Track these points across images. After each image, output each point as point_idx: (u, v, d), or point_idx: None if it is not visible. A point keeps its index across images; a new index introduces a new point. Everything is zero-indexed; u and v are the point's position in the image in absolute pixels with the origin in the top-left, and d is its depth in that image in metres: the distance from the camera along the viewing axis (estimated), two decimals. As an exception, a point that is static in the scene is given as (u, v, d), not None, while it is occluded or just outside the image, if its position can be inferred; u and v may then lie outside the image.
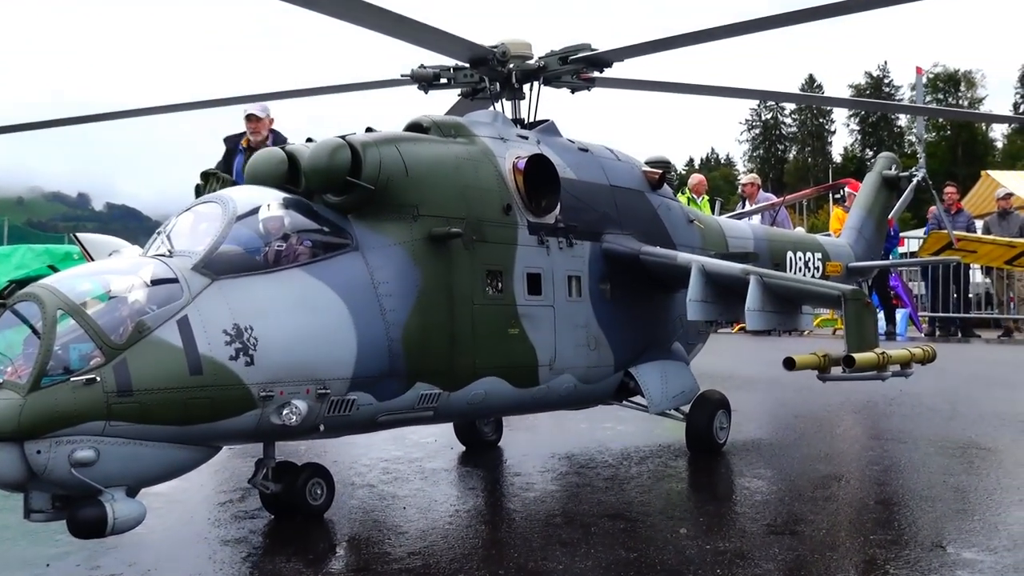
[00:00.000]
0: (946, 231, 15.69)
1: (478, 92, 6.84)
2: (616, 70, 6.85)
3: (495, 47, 6.49)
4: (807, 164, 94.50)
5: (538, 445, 7.37)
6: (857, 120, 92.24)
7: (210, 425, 4.39)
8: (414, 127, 5.94)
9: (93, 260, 6.62)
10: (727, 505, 5.47)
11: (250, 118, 9.63)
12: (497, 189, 5.83)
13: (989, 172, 32.29)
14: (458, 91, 6.99)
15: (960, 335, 18.72)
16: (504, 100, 6.81)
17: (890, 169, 10.97)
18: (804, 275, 8.91)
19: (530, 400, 5.99)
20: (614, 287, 6.54)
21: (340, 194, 5.21)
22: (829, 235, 11.57)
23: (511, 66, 6.59)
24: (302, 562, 4.43)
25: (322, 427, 4.89)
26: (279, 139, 9.74)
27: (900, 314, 18.68)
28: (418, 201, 5.37)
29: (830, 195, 33.36)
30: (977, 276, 21.03)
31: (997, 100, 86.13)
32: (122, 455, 4.13)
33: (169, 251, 4.71)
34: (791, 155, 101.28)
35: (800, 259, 8.95)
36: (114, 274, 4.52)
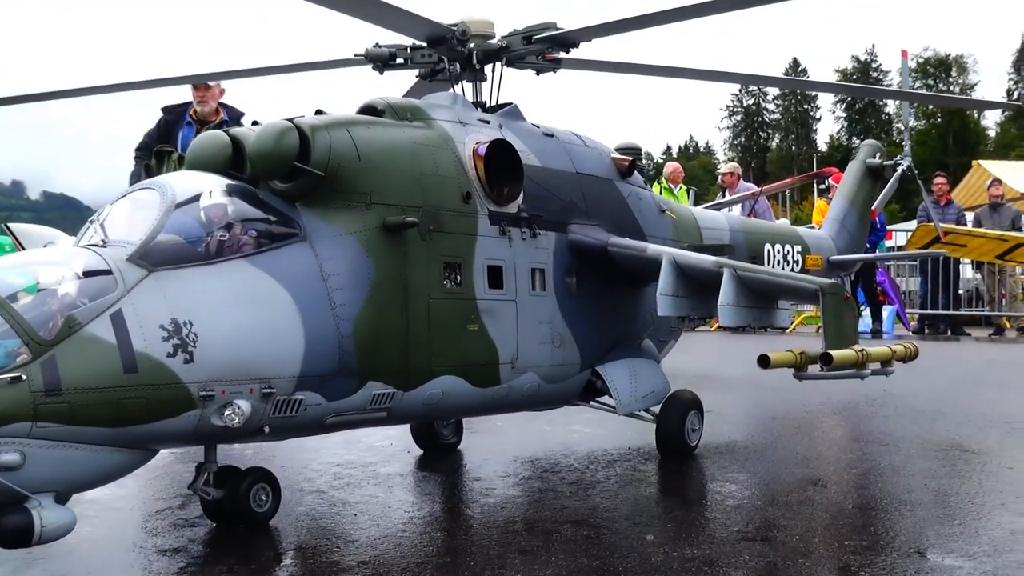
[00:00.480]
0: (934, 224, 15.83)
1: (437, 73, 6.83)
2: (584, 51, 6.88)
3: (454, 25, 6.50)
4: (791, 153, 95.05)
5: (500, 448, 7.39)
6: (844, 107, 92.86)
7: (146, 427, 4.38)
8: (368, 110, 5.93)
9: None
10: (697, 510, 5.52)
11: (198, 85, 9.23)
12: (456, 176, 5.83)
13: (980, 162, 32.57)
14: (416, 72, 6.98)
15: (949, 333, 18.93)
16: (464, 82, 6.81)
17: (874, 157, 11.06)
18: (783, 269, 8.97)
19: (491, 400, 6.01)
20: (580, 280, 6.57)
21: (287, 181, 5.20)
22: (813, 228, 11.65)
23: (472, 46, 6.60)
24: (245, 573, 4.43)
25: (267, 429, 4.89)
26: (233, 113, 9.57)
27: (887, 311, 18.85)
28: (371, 188, 5.37)
29: (814, 186, 33.66)
30: (967, 271, 21.28)
31: (990, 86, 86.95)
32: (50, 459, 4.11)
33: (103, 241, 4.69)
34: (774, 143, 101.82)
35: (778, 252, 9.01)
36: (43, 265, 4.49)
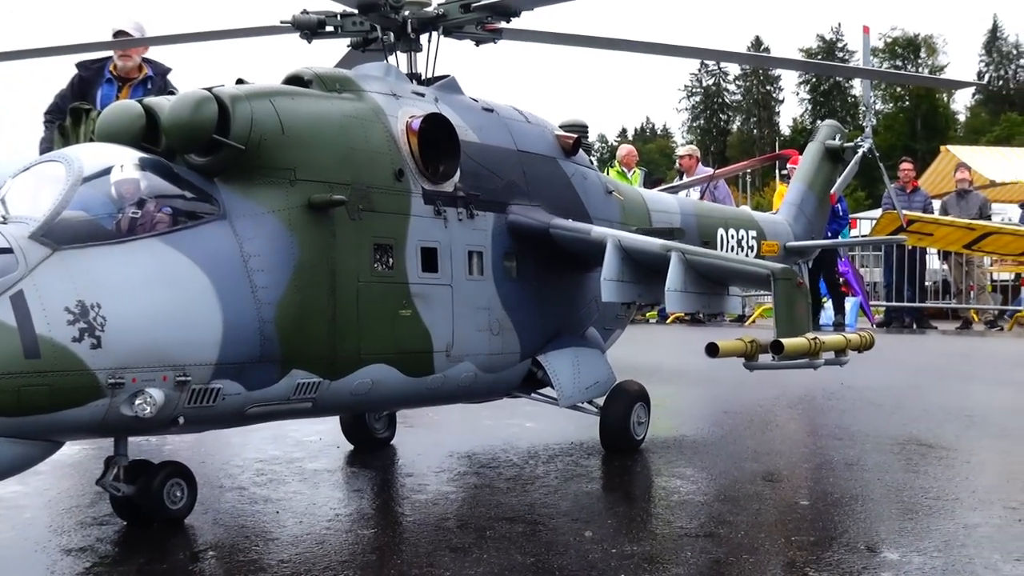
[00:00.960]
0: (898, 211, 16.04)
1: (370, 43, 6.81)
2: (527, 20, 6.90)
3: (388, -10, 6.49)
4: (753, 136, 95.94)
5: (436, 443, 7.41)
6: (808, 88, 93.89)
7: (49, 416, 4.33)
8: (294, 80, 5.90)
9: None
10: (640, 506, 5.58)
11: (120, 38, 8.87)
12: (388, 152, 5.82)
13: (949, 147, 33.13)
14: (347, 41, 6.95)
15: (915, 326, 19.22)
16: (399, 52, 6.79)
17: (833, 139, 11.19)
18: (737, 255, 9.07)
19: (424, 391, 6.02)
20: (521, 264, 6.59)
21: (205, 154, 5.16)
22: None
23: (406, 13, 6.58)
24: (156, 573, 4.40)
25: (181, 420, 4.86)
26: (159, 68, 9.38)
27: (850, 303, 19.08)
28: (296, 164, 5.35)
29: (776, 170, 33.97)
30: (934, 262, 21.62)
31: (960, 68, 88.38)
32: (-57, 450, 4.06)
33: (3, 217, 4.64)
34: (735, 126, 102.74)
35: (732, 237, 9.10)
36: (-64, 243, 4.43)
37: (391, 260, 5.73)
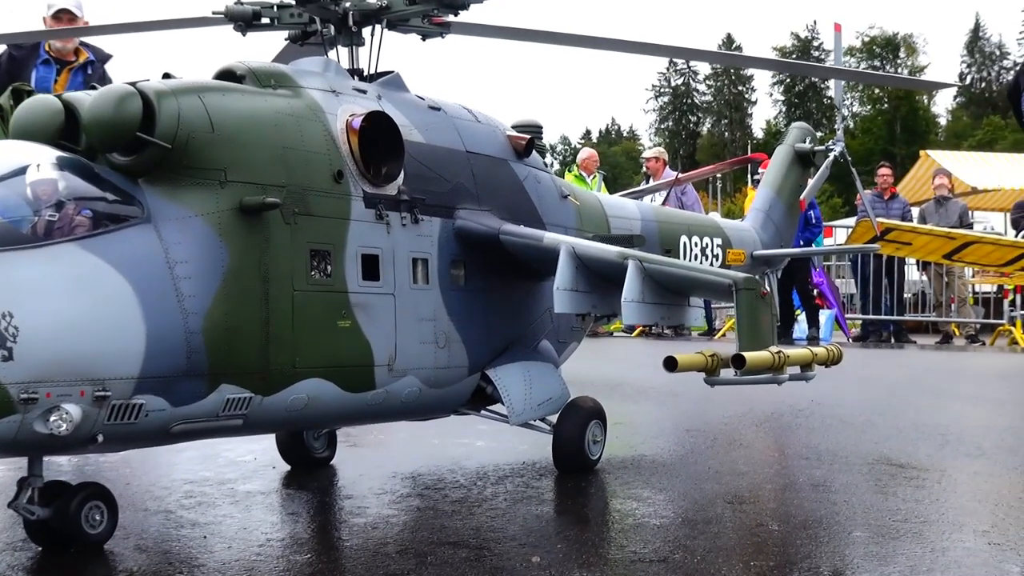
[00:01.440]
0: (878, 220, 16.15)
1: (308, 36, 6.81)
2: (476, 13, 6.92)
3: (328, -20, 6.49)
4: (724, 139, 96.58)
5: (379, 463, 7.40)
6: (782, 89, 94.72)
7: (-45, 434, 4.30)
8: (226, 75, 5.90)
9: None
10: (593, 530, 5.59)
11: (60, 16, 8.76)
12: (326, 152, 5.82)
13: (929, 152, 33.47)
14: (284, 34, 6.95)
15: (892, 341, 19.39)
16: (340, 46, 6.80)
17: (804, 142, 11.29)
18: (701, 264, 9.12)
19: (365, 407, 6.01)
20: (469, 273, 6.61)
21: (129, 154, 5.15)
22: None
23: (347, 4, 6.58)
24: (70, 601, 4.38)
25: (101, 438, 4.82)
26: (100, 55, 9.25)
27: (824, 316, 19.23)
28: (226, 164, 5.33)
29: (748, 176, 34.24)
30: (912, 273, 21.84)
31: (941, 69, 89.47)
32: None
33: (-94, 219, 4.60)
34: (705, 128, 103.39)
35: (696, 245, 9.16)
36: None
37: (329, 267, 5.72)
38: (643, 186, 15.15)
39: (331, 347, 5.70)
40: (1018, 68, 28.16)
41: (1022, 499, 6.34)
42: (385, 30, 6.78)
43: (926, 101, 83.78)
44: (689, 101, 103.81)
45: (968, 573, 4.66)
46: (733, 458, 7.75)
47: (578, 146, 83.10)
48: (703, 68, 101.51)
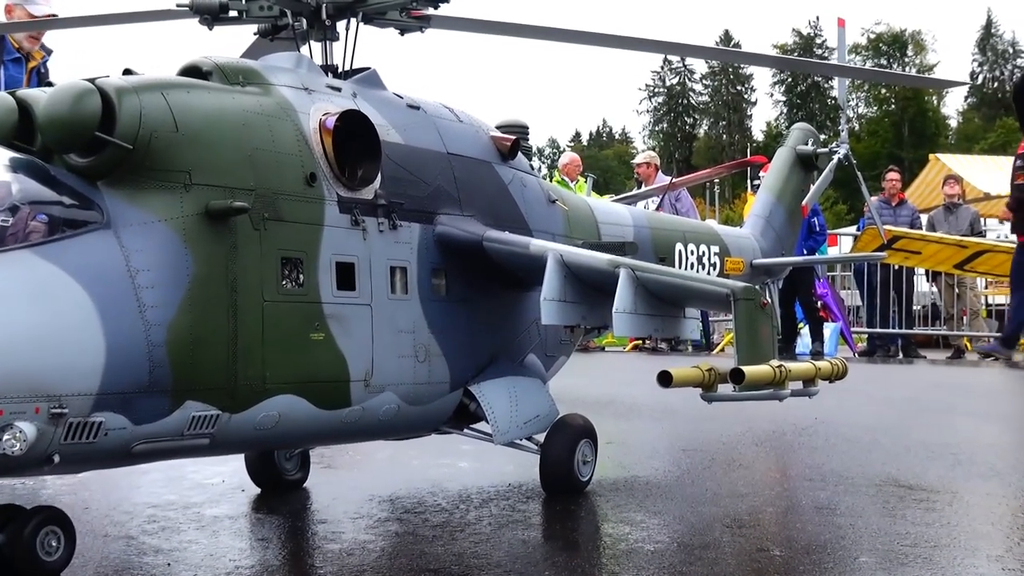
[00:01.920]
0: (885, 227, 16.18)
1: (279, 29, 6.81)
2: (457, 6, 6.93)
3: (300, -30, 6.49)
4: (722, 141, 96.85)
5: (355, 485, 7.40)
6: (783, 88, 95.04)
7: (-100, 454, 4.28)
8: (191, 71, 5.89)
9: None
10: (583, 556, 5.58)
11: (11, 9, 8.71)
12: (297, 153, 5.82)
13: (939, 156, 33.65)
14: (254, 28, 6.95)
15: (901, 356, 19.42)
16: (313, 41, 6.80)
17: (806, 144, 11.32)
18: (698, 273, 9.14)
19: (340, 426, 6.00)
20: (451, 282, 6.61)
21: (87, 154, 5.14)
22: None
23: (321, -4, 6.59)
24: (24, 633, 4.35)
25: (57, 458, 4.79)
26: (47, 50, 9.24)
27: (829, 329, 19.27)
28: (191, 166, 5.32)
29: (748, 180, 34.36)
30: (922, 284, 21.89)
31: (950, 67, 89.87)
32: None
33: None
34: (702, 130, 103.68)
35: (692, 252, 9.18)
36: None
37: (301, 276, 5.71)
38: (635, 191, 15.19)
39: (304, 361, 5.69)
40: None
41: (1038, 522, 6.37)
42: (361, 24, 6.78)
43: (935, 102, 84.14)
44: (685, 102, 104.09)
45: (981, 600, 4.67)
46: (732, 479, 7.75)
47: (567, 149, 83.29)
48: (700, 66, 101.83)
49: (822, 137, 12.17)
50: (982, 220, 21.63)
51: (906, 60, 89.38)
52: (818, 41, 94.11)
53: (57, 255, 4.81)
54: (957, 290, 19.90)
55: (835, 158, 11.23)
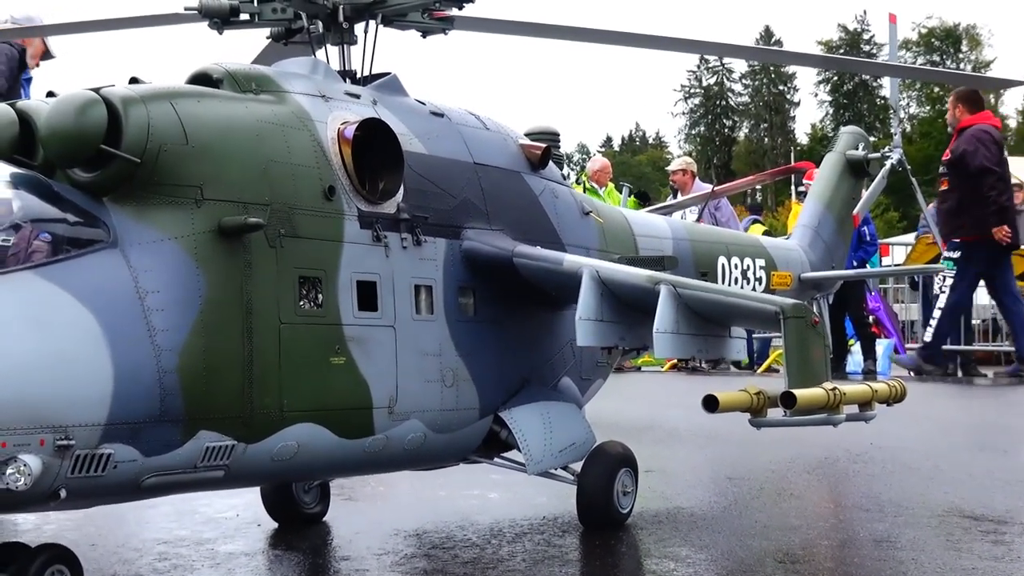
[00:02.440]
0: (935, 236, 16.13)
1: (293, 33, 6.85)
2: (482, 6, 6.94)
3: (315, -29, 6.52)
4: (763, 145, 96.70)
5: (378, 519, 7.40)
6: (828, 88, 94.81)
7: (-101, 490, 4.31)
8: (201, 79, 5.92)
9: None
10: (625, 594, 5.58)
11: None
12: (315, 165, 5.84)
13: (998, 159, 33.40)
14: (266, 32, 6.99)
15: (960, 374, 19.28)
16: (329, 45, 6.83)
17: (856, 148, 11.27)
18: (741, 288, 9.11)
19: (362, 455, 6.00)
20: (479, 301, 6.61)
21: (92, 169, 5.16)
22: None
23: (337, -3, 6.62)
24: None
25: (63, 493, 4.81)
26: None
27: (882, 347, 19.18)
28: (202, 180, 5.34)
29: (791, 187, 34.27)
30: (982, 297, 21.75)
31: (1008, 64, 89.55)
32: None
33: None
34: (742, 134, 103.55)
35: (735, 267, 9.16)
36: None
37: (320, 296, 5.72)
38: (672, 200, 15.17)
39: (323, 387, 5.69)
40: None
41: (1116, 554, 6.31)
42: (380, 26, 6.81)
43: (993, 101, 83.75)
44: (723, 103, 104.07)
45: (1057, 640, 4.63)
46: (783, 510, 7.72)
47: (598, 154, 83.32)
48: (739, 65, 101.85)
49: (872, 140, 12.13)
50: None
51: (960, 56, 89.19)
52: (865, 37, 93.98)
53: (61, 276, 4.83)
54: (1021, 303, 19.75)
55: (888, 163, 11.20)
